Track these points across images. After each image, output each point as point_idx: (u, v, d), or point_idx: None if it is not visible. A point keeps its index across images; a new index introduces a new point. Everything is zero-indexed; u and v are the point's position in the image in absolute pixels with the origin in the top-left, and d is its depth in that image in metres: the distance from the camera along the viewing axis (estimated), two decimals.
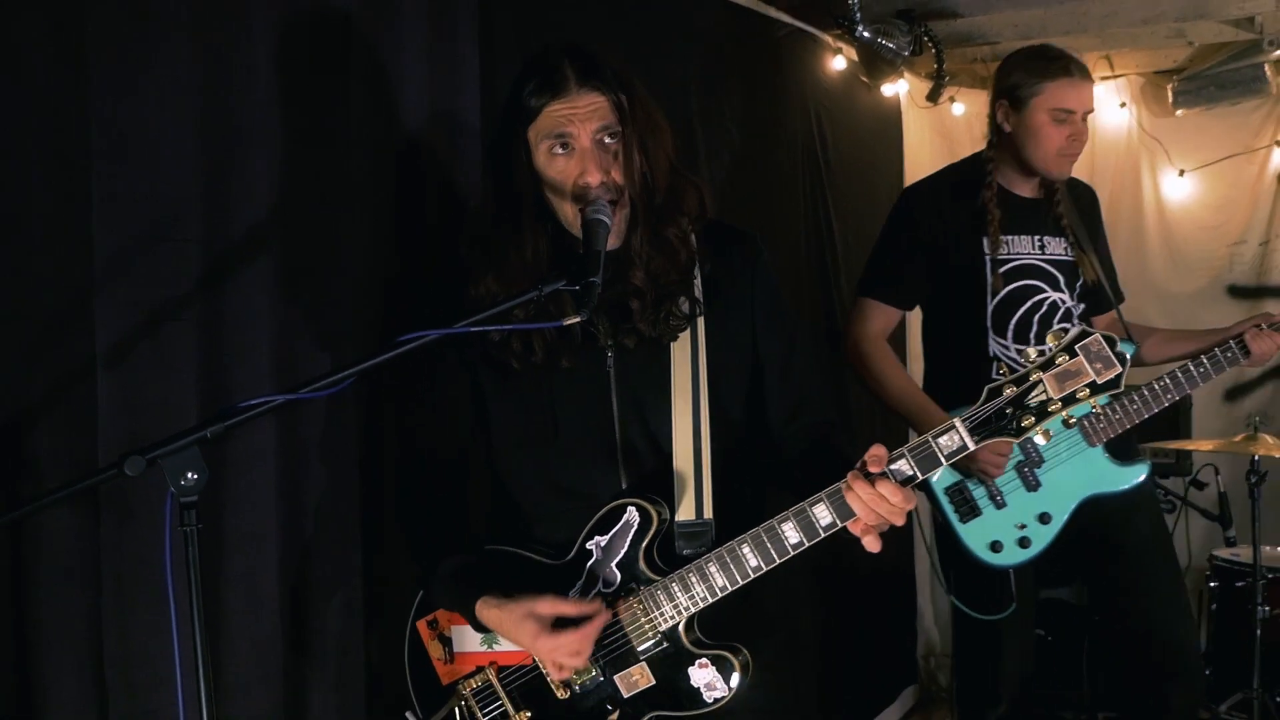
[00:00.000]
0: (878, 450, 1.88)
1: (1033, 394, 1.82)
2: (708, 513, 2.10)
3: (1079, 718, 4.88)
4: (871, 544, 1.93)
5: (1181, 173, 5.44)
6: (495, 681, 2.15)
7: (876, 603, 5.03)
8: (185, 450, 1.70)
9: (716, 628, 2.08)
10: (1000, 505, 3.20)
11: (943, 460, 1.88)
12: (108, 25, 1.96)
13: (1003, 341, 3.26)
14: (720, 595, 2.02)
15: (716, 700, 2.04)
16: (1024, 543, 3.20)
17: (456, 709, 2.16)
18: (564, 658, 2.03)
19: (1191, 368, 3.19)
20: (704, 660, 2.04)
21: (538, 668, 2.12)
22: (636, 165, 2.07)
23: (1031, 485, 3.21)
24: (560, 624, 2.02)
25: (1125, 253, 5.35)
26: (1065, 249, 3.32)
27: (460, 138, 2.66)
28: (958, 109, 5.46)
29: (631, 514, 2.07)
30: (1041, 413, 1.82)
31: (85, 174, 1.95)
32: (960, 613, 3.37)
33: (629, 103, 2.06)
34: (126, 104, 1.99)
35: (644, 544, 2.06)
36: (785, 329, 2.25)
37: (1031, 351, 1.86)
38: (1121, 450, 3.25)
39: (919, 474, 1.89)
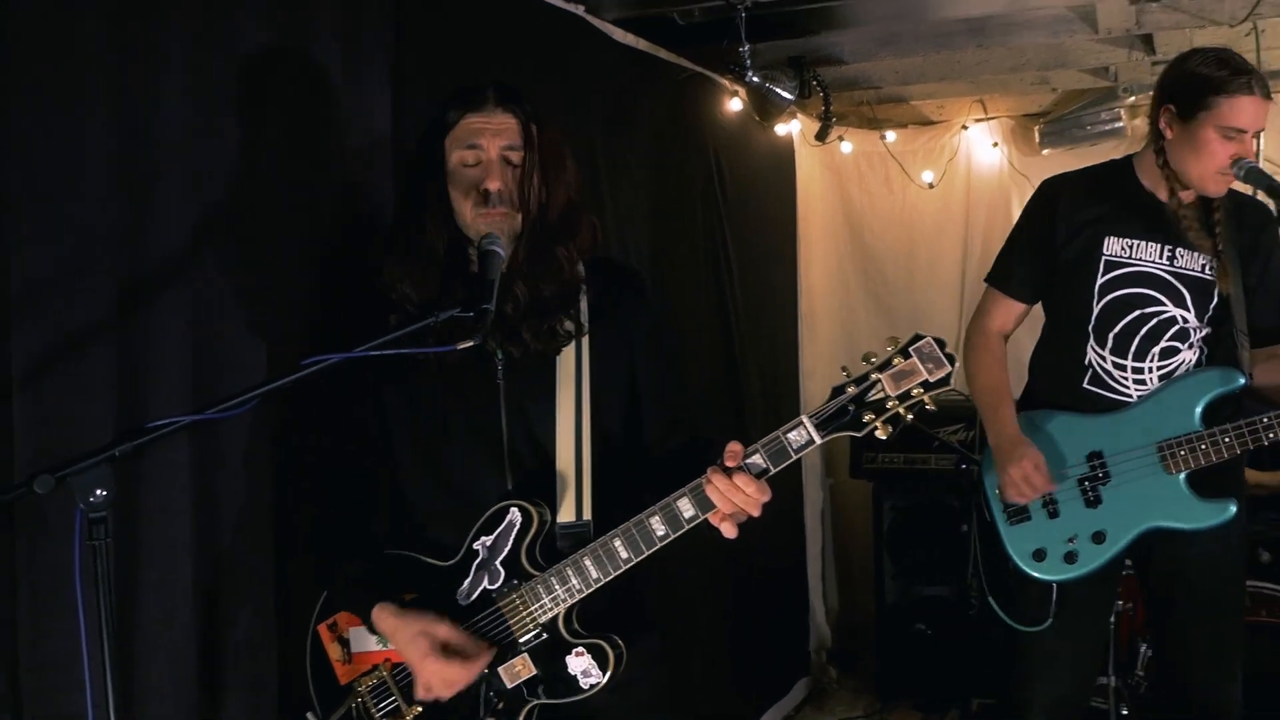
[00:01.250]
0: (734, 446, 1.96)
1: (872, 392, 1.89)
2: (587, 514, 2.14)
3: (955, 703, 4.97)
4: (728, 530, 2.00)
5: None
6: (389, 678, 2.16)
7: (772, 601, 5.06)
8: (94, 468, 1.68)
9: (594, 621, 2.12)
10: (1053, 514, 2.89)
11: (792, 454, 1.94)
12: (25, 63, 1.93)
13: (1100, 351, 2.88)
14: (595, 586, 2.05)
15: (592, 686, 2.06)
16: (1071, 558, 2.86)
17: (353, 706, 2.16)
18: (439, 686, 2.05)
19: None
20: (580, 649, 2.07)
21: None
22: (534, 186, 2.12)
23: (1091, 501, 2.86)
24: (447, 651, 2.04)
25: None
26: (1204, 266, 2.82)
27: (373, 171, 2.66)
28: (846, 147, 5.54)
29: (514, 515, 2.10)
30: (880, 409, 1.89)
31: (3, 206, 1.91)
32: (1008, 628, 3.03)
33: (537, 132, 2.14)
34: (43, 141, 1.96)
35: (526, 543, 2.09)
36: (663, 358, 2.30)
37: (873, 354, 1.92)
38: (1212, 484, 2.78)
39: (771, 467, 1.96)
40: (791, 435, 1.94)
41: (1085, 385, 2.88)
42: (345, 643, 2.20)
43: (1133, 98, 5.20)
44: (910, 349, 1.88)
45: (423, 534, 2.21)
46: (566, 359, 2.17)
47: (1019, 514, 2.91)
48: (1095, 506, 2.85)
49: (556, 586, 2.07)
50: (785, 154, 5.29)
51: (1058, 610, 2.87)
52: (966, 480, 3.07)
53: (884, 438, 1.93)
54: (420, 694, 2.08)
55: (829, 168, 5.76)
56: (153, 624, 2.15)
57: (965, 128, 5.71)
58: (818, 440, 1.93)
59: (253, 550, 2.34)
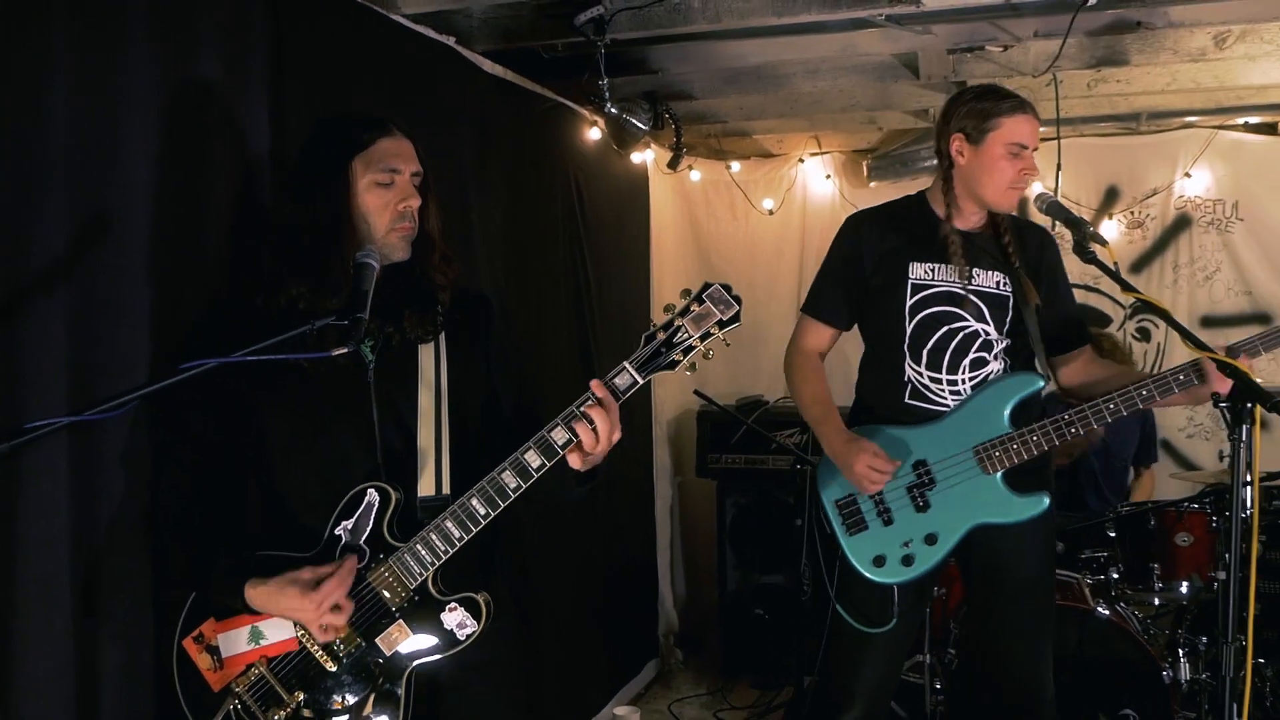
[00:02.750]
0: (596, 381, 2.01)
1: (678, 335, 1.97)
2: (446, 489, 2.17)
3: (789, 681, 5.06)
4: (577, 461, 2.04)
5: None
6: (266, 672, 2.10)
7: (625, 589, 5.10)
8: None
9: (460, 582, 2.12)
10: (887, 522, 2.90)
11: (621, 395, 2.00)
12: None
13: (917, 368, 2.92)
14: (459, 545, 2.07)
15: (470, 636, 2.08)
16: (908, 560, 2.88)
17: (231, 708, 2.10)
18: (326, 614, 2.02)
19: (1101, 405, 2.74)
20: (452, 605, 2.09)
21: (304, 649, 2.10)
22: (431, 205, 2.21)
23: (920, 506, 2.88)
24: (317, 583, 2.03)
25: None
26: (999, 283, 2.91)
27: (252, 183, 2.59)
28: (695, 175, 5.63)
29: (372, 495, 2.10)
30: (687, 348, 1.98)
31: None
32: (835, 618, 3.03)
33: (424, 158, 2.22)
34: None
35: (386, 519, 2.10)
36: (517, 373, 2.37)
37: (673, 304, 2.00)
38: (1025, 480, 2.85)
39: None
40: (618, 380, 2.00)
41: (907, 400, 2.93)
42: (215, 650, 2.12)
43: None
44: (704, 295, 1.98)
45: (296, 529, 2.16)
46: (427, 359, 2.21)
47: (857, 525, 2.94)
48: (925, 511, 2.88)
49: (423, 552, 2.08)
50: (640, 181, 5.34)
51: (900, 610, 2.91)
52: (810, 486, 3.05)
53: (690, 373, 2.02)
54: (319, 635, 2.05)
55: (679, 194, 5.83)
56: (29, 622, 2.05)
57: (802, 160, 5.85)
58: (639, 380, 2.00)
59: (131, 549, 2.25)
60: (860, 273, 2.97)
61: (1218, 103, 4.99)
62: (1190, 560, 3.90)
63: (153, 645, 2.28)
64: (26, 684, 2.04)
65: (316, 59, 2.86)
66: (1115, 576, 3.97)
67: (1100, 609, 3.75)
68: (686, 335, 1.97)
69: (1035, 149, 2.83)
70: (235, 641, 2.12)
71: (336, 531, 2.11)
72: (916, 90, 4.64)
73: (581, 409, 1.99)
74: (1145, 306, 2.54)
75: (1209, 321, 5.43)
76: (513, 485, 2.04)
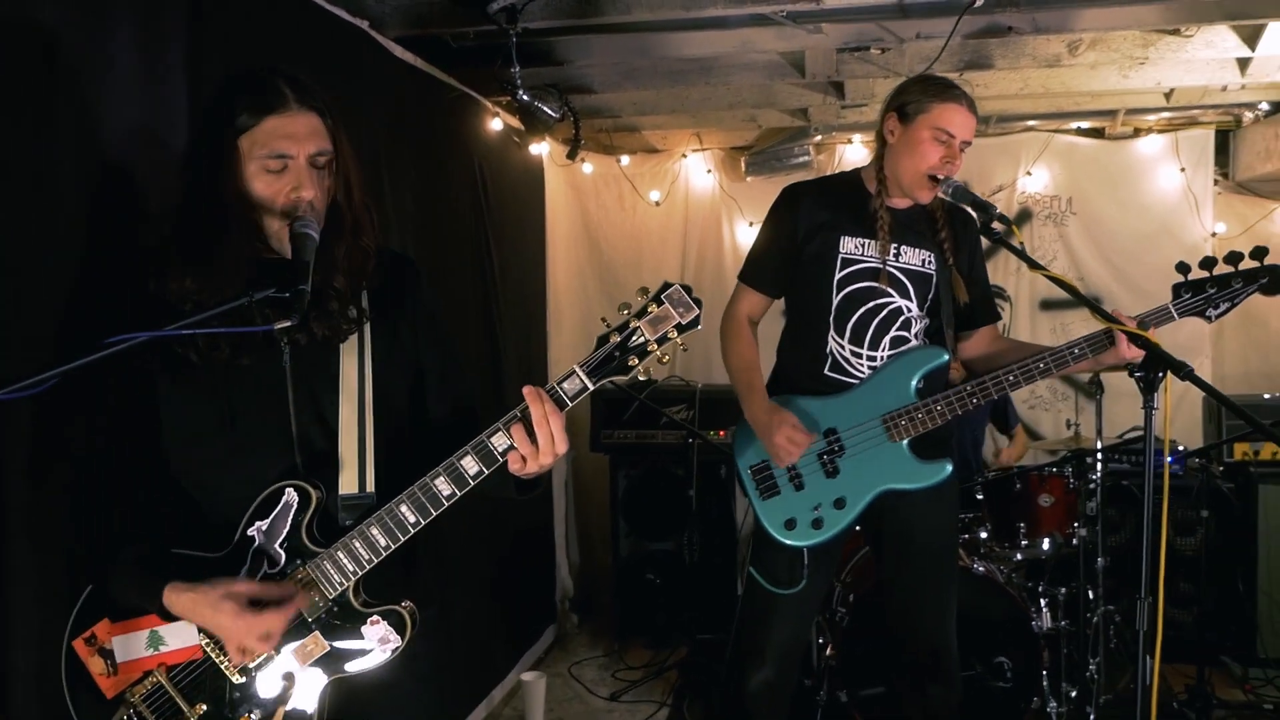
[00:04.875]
0: (529, 389, 1.74)
1: (634, 339, 1.71)
2: (370, 487, 1.83)
3: (682, 640, 4.94)
4: (515, 465, 1.75)
5: (751, 224, 5.64)
6: (165, 682, 1.76)
7: (524, 558, 4.88)
8: None
9: (381, 591, 1.83)
10: (799, 487, 2.74)
11: (569, 401, 1.74)
12: None
13: (839, 340, 2.74)
14: (384, 554, 1.77)
15: (395, 651, 1.78)
16: (817, 524, 2.72)
17: (125, 718, 1.76)
18: (254, 641, 1.70)
19: (1002, 376, 2.61)
20: (375, 618, 1.78)
21: (209, 659, 1.78)
22: (342, 184, 1.81)
23: (830, 472, 2.72)
24: (254, 606, 1.70)
25: (712, 283, 5.51)
26: (923, 261, 2.74)
27: (164, 151, 2.25)
28: (588, 168, 5.42)
29: (290, 495, 1.78)
30: (643, 352, 1.72)
31: None
32: (750, 581, 2.87)
33: (334, 127, 1.80)
34: None
35: (305, 521, 1.77)
36: (442, 343, 2.02)
37: (629, 305, 1.74)
38: (929, 448, 2.71)
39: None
40: (566, 384, 1.73)
41: (826, 372, 2.78)
42: (108, 654, 1.77)
43: (819, 136, 5.34)
44: (662, 296, 1.72)
45: (203, 526, 1.81)
46: (350, 343, 1.87)
47: (770, 489, 2.76)
48: (834, 477, 2.73)
49: (345, 561, 1.77)
50: (536, 172, 5.10)
51: (809, 573, 2.76)
52: (729, 465, 2.86)
53: (644, 378, 1.76)
54: (236, 658, 1.74)
55: (572, 186, 5.61)
56: None
57: (685, 156, 5.70)
58: (590, 386, 1.73)
59: (45, 537, 1.92)
60: (793, 243, 2.78)
61: (1057, 108, 5.04)
62: (1052, 519, 3.91)
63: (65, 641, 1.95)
64: None
65: (234, 33, 2.53)
66: (984, 535, 3.94)
67: (976, 566, 3.70)
68: (642, 338, 1.70)
69: (965, 143, 2.65)
70: (132, 646, 1.77)
71: (249, 532, 1.78)
72: (797, 90, 4.54)
73: (521, 414, 1.72)
74: (1055, 282, 2.42)
75: (1047, 305, 5.52)
76: (446, 493, 1.76)
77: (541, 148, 4.96)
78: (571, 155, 4.50)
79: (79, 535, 1.88)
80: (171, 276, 1.72)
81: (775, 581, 2.80)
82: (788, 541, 2.75)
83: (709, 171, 5.69)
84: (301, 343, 1.81)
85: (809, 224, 2.76)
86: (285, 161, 1.73)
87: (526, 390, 1.73)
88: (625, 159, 5.57)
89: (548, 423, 1.72)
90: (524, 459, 1.74)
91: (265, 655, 1.75)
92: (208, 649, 1.76)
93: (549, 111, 3.68)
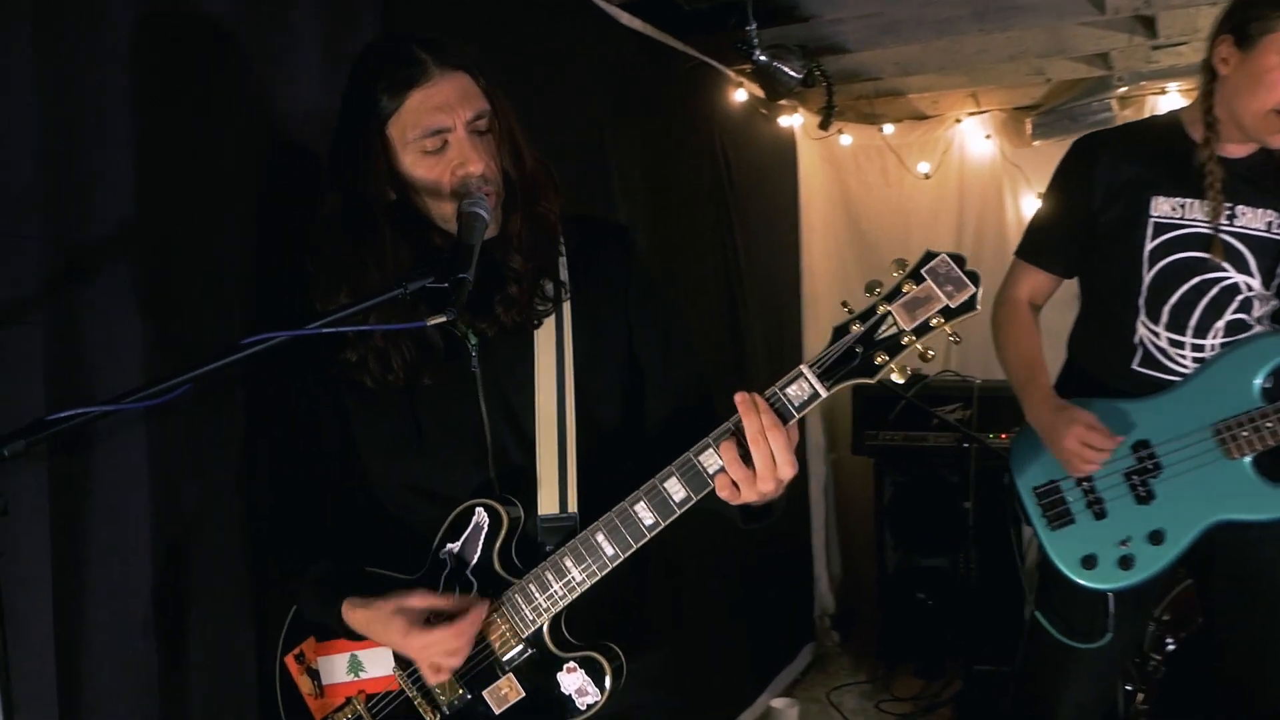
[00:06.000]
0: (742, 395, 1.42)
1: (881, 328, 1.36)
2: (572, 506, 1.59)
3: (956, 666, 4.46)
4: (726, 492, 1.44)
5: (1039, 195, 5.00)
6: (363, 711, 1.63)
7: (777, 570, 4.55)
8: None
9: (589, 630, 1.57)
10: (1100, 515, 2.25)
11: (794, 412, 1.40)
12: None
13: (1153, 327, 2.24)
14: (580, 590, 1.52)
15: (590, 707, 1.53)
16: (1126, 563, 2.22)
17: None
18: (439, 657, 1.52)
19: None
20: (571, 664, 1.54)
21: (403, 693, 1.61)
22: (509, 147, 1.57)
23: (1142, 497, 2.22)
24: (434, 620, 1.52)
25: (991, 267, 4.94)
26: (1269, 225, 2.18)
27: None
28: (846, 139, 5.00)
29: (480, 516, 1.57)
30: (894, 347, 1.36)
31: None
32: (1035, 628, 2.40)
33: (489, 84, 1.56)
34: None
35: (497, 545, 1.56)
36: (662, 323, 1.72)
37: (877, 283, 1.38)
38: (1277, 469, 2.16)
39: None
40: (791, 390, 1.40)
41: (1135, 366, 2.27)
42: (315, 674, 1.68)
43: (1124, 88, 4.64)
44: (923, 271, 1.35)
45: (403, 544, 1.67)
46: (546, 332, 1.62)
47: (1061, 517, 2.29)
48: (1148, 503, 2.22)
49: (536, 594, 1.54)
50: (788, 146, 4.76)
51: (1117, 623, 2.25)
52: (1008, 487, 2.39)
53: (901, 381, 1.38)
54: (430, 677, 1.56)
55: (829, 160, 5.21)
56: (104, 639, 1.64)
57: (959, 120, 5.15)
58: (822, 393, 1.39)
59: (222, 557, 1.82)
60: (1088, 207, 2.28)
61: None
62: None
63: (255, 663, 1.86)
64: (102, 708, 1.63)
65: (431, 11, 2.38)
66: None
67: None
68: (894, 328, 1.35)
69: None
70: (335, 668, 1.68)
71: (441, 555, 1.60)
72: (1095, 32, 3.91)
73: (735, 427, 1.41)
74: None
75: None
76: (649, 521, 1.48)
77: (793, 119, 4.62)
78: (824, 125, 4.13)
79: (277, 549, 1.77)
80: (326, 294, 1.54)
81: (1070, 632, 2.32)
82: (1086, 584, 2.27)
83: (987, 137, 5.11)
84: (489, 335, 1.60)
85: (1109, 183, 2.26)
86: (443, 137, 1.51)
87: (739, 398, 1.41)
88: (889, 127, 5.10)
89: (765, 439, 1.39)
90: (736, 484, 1.42)
91: (460, 696, 1.57)
92: (402, 681, 1.61)
93: (790, 73, 3.33)
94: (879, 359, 1.36)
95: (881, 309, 1.36)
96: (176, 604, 1.75)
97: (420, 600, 1.53)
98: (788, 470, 1.41)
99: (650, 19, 3.40)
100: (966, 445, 4.26)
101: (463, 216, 1.50)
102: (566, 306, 1.63)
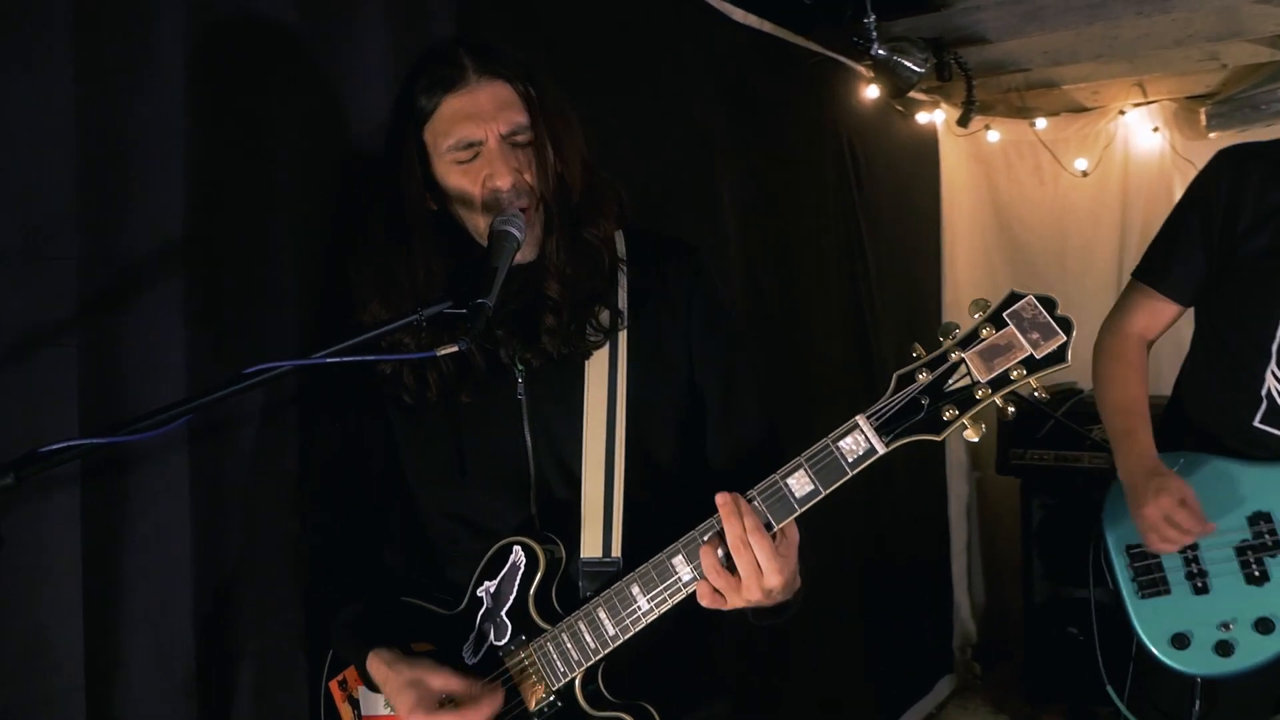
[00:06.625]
0: (723, 496, 1.33)
1: (953, 378, 1.24)
2: (616, 550, 1.48)
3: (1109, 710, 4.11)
4: (706, 598, 1.37)
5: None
6: None
7: (914, 597, 4.31)
8: None
9: (631, 682, 1.47)
10: (1201, 589, 2.02)
11: (848, 470, 1.29)
12: None
13: None
14: (613, 646, 1.41)
15: None
16: (1225, 649, 1.98)
17: None
18: None
19: None
20: None
21: None
22: (550, 164, 1.46)
23: (1255, 577, 1.99)
24: (445, 704, 1.43)
25: None
26: None
27: None
28: (993, 136, 4.69)
29: (517, 555, 1.48)
30: (967, 401, 1.23)
31: None
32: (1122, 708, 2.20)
33: (537, 93, 1.46)
34: None
35: (533, 588, 1.47)
36: (726, 357, 1.59)
37: (952, 325, 1.25)
38: None
39: (821, 488, 1.31)
40: (845, 442, 1.29)
41: (1258, 424, 2.00)
42: (355, 704, 1.63)
43: None
44: (1005, 314, 1.22)
45: (442, 574, 1.62)
46: (598, 360, 1.52)
47: (1154, 585, 2.05)
48: (1262, 584, 1.97)
49: (569, 645, 1.44)
50: (928, 143, 4.49)
51: (1202, 713, 2.01)
52: (1095, 540, 2.14)
53: (974, 439, 1.25)
54: None
55: (975, 158, 4.90)
56: (144, 665, 1.62)
57: (1123, 113, 4.74)
58: (880, 449, 1.28)
59: (269, 578, 1.78)
60: (1227, 232, 2.02)
61: None
62: None
63: (305, 684, 1.82)
64: None
65: (506, 9, 2.30)
66: None
67: None
68: (966, 379, 1.23)
69: None
70: (373, 701, 1.61)
71: (479, 592, 1.52)
72: (1276, 10, 3.50)
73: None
74: None
75: None
76: (686, 577, 1.38)
77: (935, 116, 4.36)
78: (963, 121, 3.87)
79: (315, 580, 1.72)
80: (362, 303, 1.50)
81: (1148, 713, 2.10)
82: (1173, 664, 2.02)
83: (1155, 130, 4.69)
84: (534, 365, 1.51)
85: (1259, 204, 1.99)
86: (475, 148, 1.44)
87: (720, 499, 1.32)
88: (1041, 122, 4.75)
89: (748, 547, 1.30)
90: (717, 593, 1.34)
91: None
92: None
93: (911, 66, 3.10)
94: (947, 413, 1.24)
95: (954, 356, 1.24)
96: (219, 627, 1.72)
97: (438, 680, 1.46)
98: (774, 579, 1.31)
99: (767, 14, 3.23)
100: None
101: (493, 234, 1.42)
102: (622, 335, 1.53)
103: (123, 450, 1.56)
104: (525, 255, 1.47)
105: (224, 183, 1.72)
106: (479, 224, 1.48)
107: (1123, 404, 2.14)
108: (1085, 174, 4.81)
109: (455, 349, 1.29)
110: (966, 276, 4.81)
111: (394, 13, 2.00)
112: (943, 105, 4.37)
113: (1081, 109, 4.86)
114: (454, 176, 1.47)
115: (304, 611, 1.80)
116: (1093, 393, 4.31)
